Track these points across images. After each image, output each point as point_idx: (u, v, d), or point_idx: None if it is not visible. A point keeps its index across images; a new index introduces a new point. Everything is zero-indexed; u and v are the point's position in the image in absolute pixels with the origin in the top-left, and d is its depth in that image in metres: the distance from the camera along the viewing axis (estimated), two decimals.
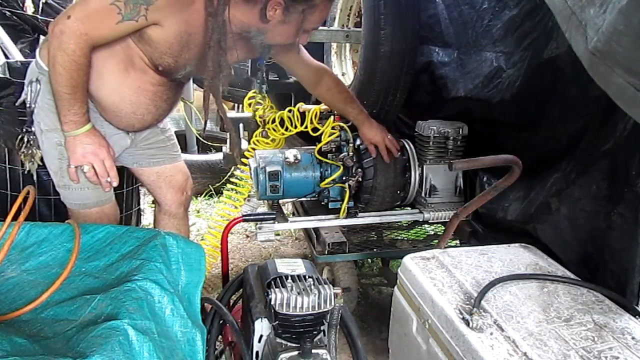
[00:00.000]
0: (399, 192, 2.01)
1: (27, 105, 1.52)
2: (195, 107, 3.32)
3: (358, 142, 2.01)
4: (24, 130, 1.56)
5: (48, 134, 1.53)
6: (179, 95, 1.70)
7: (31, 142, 1.57)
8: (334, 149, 2.00)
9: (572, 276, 1.40)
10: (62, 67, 1.36)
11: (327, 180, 1.97)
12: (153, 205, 2.04)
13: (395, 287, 1.50)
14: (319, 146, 2.00)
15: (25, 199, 1.15)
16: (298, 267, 1.17)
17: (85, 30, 1.34)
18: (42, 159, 1.60)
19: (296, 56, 1.84)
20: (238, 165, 2.44)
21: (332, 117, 2.06)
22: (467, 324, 1.16)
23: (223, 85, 1.51)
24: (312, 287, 1.05)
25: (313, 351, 1.01)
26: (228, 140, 2.64)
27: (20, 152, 1.57)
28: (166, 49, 1.45)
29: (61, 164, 1.54)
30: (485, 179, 2.00)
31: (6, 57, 2.84)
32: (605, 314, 1.23)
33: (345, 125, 2.00)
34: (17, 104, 1.65)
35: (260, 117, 2.37)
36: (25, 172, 1.61)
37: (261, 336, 1.09)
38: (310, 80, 1.93)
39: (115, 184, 1.56)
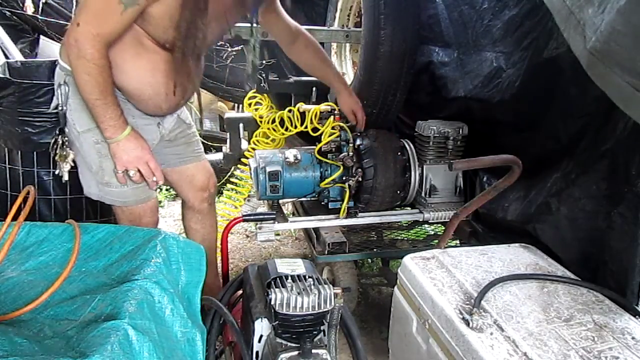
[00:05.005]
0: (399, 192, 2.01)
1: (60, 108, 1.56)
2: (195, 106, 3.32)
3: (358, 142, 2.01)
4: (57, 132, 1.60)
5: (84, 135, 1.55)
6: (200, 68, 1.69)
7: (66, 143, 1.60)
8: (334, 149, 2.00)
9: (572, 276, 1.40)
10: (87, 74, 1.38)
11: (327, 180, 1.97)
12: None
13: (395, 287, 1.50)
14: (319, 146, 2.00)
15: (25, 199, 1.15)
16: (298, 267, 1.17)
17: (96, 30, 1.36)
18: (73, 160, 1.63)
19: (276, 16, 1.88)
20: (238, 165, 2.44)
21: (332, 117, 2.07)
22: (467, 324, 1.16)
23: (198, 49, 1.51)
24: (312, 287, 1.05)
25: (313, 351, 1.01)
26: (228, 140, 2.65)
27: (54, 153, 1.61)
28: (168, 22, 1.45)
29: (101, 162, 1.57)
30: (485, 179, 2.00)
31: (6, 57, 2.84)
32: (605, 314, 1.23)
33: (345, 125, 2.00)
34: (50, 110, 1.72)
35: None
36: (56, 173, 1.66)
37: (261, 336, 1.09)
38: (286, 39, 1.97)
39: (161, 182, 1.61)
